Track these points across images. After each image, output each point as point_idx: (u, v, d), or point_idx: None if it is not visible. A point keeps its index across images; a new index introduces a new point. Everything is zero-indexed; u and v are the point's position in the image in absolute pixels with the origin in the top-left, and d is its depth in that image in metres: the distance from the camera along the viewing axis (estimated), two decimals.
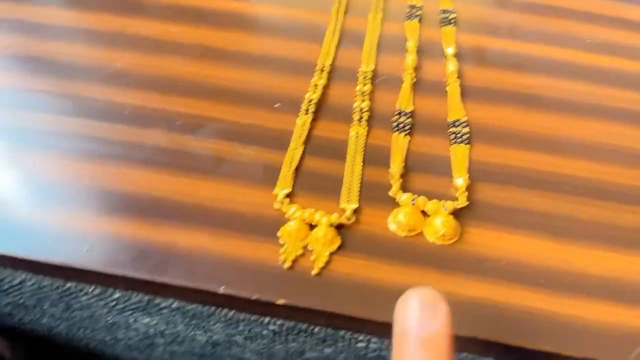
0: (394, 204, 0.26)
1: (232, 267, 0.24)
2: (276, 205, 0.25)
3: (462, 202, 0.26)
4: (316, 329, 0.25)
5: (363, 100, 0.30)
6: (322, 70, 0.31)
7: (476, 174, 0.27)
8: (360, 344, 0.25)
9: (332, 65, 0.32)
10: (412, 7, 0.38)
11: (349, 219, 0.25)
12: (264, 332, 0.26)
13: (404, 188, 0.27)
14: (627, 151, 0.29)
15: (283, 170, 0.27)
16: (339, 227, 0.25)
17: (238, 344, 0.28)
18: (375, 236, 0.25)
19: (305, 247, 0.24)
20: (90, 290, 0.25)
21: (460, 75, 0.32)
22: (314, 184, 0.27)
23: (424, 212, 0.26)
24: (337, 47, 0.35)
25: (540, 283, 0.24)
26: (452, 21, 0.37)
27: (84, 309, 0.27)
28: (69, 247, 0.24)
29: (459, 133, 0.29)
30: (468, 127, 0.29)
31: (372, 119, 0.30)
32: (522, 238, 0.25)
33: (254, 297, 0.23)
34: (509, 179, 0.28)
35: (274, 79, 0.32)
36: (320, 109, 0.30)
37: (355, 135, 0.28)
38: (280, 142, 0.28)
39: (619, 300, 0.23)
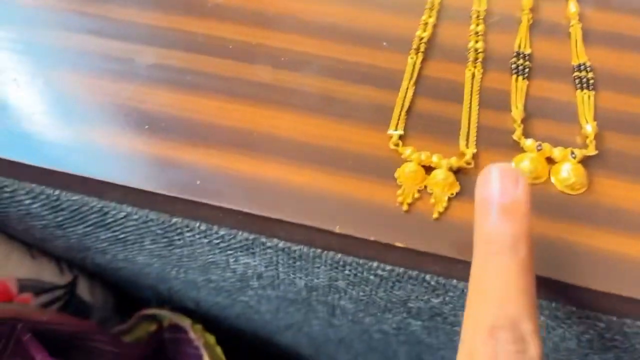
0: (515, 149, 0.24)
1: (346, 206, 0.23)
2: (391, 146, 0.24)
3: (591, 150, 0.24)
4: (427, 277, 0.23)
5: (477, 41, 0.28)
6: (431, 9, 0.29)
7: (603, 122, 0.25)
8: None
9: (442, 4, 0.30)
10: None
11: (468, 163, 0.24)
12: (371, 277, 0.25)
13: (525, 134, 0.25)
14: None
15: (395, 111, 0.25)
16: (456, 172, 0.24)
17: (338, 289, 0.27)
18: None
19: (421, 191, 0.23)
20: (196, 225, 0.25)
21: (581, 18, 0.29)
22: (427, 126, 0.25)
23: (548, 159, 0.24)
24: None
25: None
26: None
27: (185, 247, 0.27)
28: (179, 180, 0.23)
29: (584, 78, 0.26)
30: (592, 73, 0.27)
31: (487, 61, 0.28)
32: None
33: (371, 238, 0.22)
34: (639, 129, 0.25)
35: (382, 15, 0.30)
36: (431, 49, 0.28)
37: (472, 76, 0.27)
38: (390, 81, 0.27)
39: None
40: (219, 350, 0.38)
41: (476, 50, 0.28)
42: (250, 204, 0.23)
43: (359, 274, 0.25)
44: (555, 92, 0.27)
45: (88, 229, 0.28)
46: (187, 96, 0.26)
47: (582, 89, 0.26)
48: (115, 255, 0.31)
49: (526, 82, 0.27)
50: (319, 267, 0.25)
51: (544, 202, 0.23)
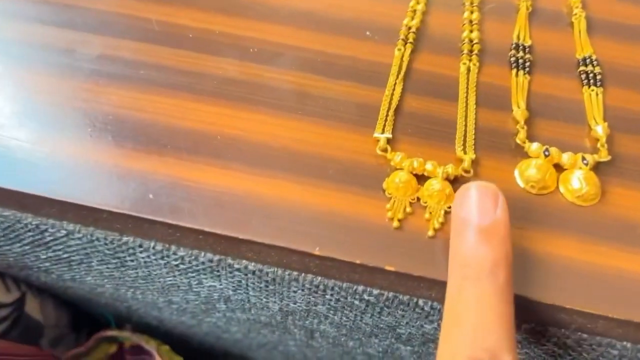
0: (518, 154, 0.21)
1: (326, 224, 0.20)
2: (379, 152, 0.21)
3: (603, 156, 0.21)
4: (421, 302, 0.20)
5: (472, 30, 0.25)
6: None
7: (613, 123, 0.22)
8: None
9: None
10: None
11: (467, 172, 0.21)
12: (355, 302, 0.21)
13: (529, 136, 0.22)
14: None
15: (382, 111, 0.22)
16: (453, 181, 0.21)
17: (318, 314, 0.24)
18: None
19: (414, 204, 0.20)
20: (151, 245, 0.21)
21: (584, 6, 0.27)
22: (419, 128, 0.22)
23: (555, 166, 0.21)
24: None
25: None
26: None
27: (140, 268, 0.23)
28: (129, 194, 0.20)
29: (590, 73, 0.24)
30: (599, 67, 0.24)
31: (484, 53, 0.25)
32: None
33: (357, 261, 0.19)
34: None
35: (365, 1, 0.26)
36: (420, 39, 0.25)
37: (467, 70, 0.23)
38: (375, 77, 0.23)
39: None
40: None
41: (471, 40, 0.25)
42: (212, 222, 0.19)
43: (342, 299, 0.22)
44: (560, 89, 0.24)
45: (26, 247, 0.24)
46: (140, 94, 0.23)
47: (589, 85, 0.23)
48: (60, 276, 0.27)
49: (527, 77, 0.24)
50: (295, 291, 0.22)
51: (552, 215, 0.20)
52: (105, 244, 0.22)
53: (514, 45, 0.25)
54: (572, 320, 0.19)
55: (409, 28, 0.25)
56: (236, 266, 0.21)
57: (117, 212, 0.20)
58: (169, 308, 0.30)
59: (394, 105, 0.22)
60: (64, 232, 0.22)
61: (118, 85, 0.23)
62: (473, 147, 0.21)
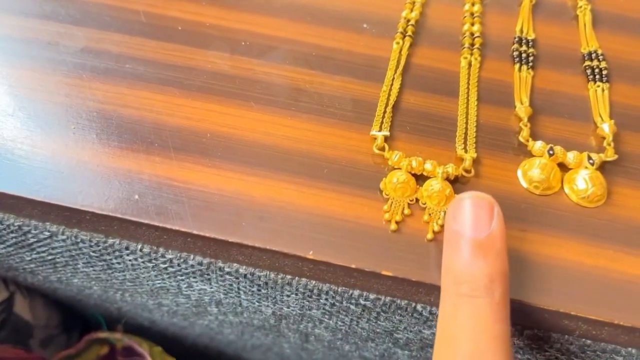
0: (521, 152, 0.21)
1: (321, 226, 0.19)
2: (376, 150, 0.20)
3: (610, 155, 0.20)
4: (419, 307, 0.20)
5: (473, 23, 0.24)
6: None
7: (619, 120, 0.22)
8: None
9: None
10: None
11: (468, 171, 0.20)
12: (351, 306, 0.21)
13: (532, 134, 0.21)
14: None
15: (379, 107, 0.21)
16: (454, 181, 0.20)
17: (312, 318, 0.23)
18: (501, 194, 0.20)
19: (412, 205, 0.19)
20: (138, 248, 0.20)
21: None
22: (418, 126, 0.21)
23: (560, 165, 0.20)
24: None
25: None
26: None
27: (127, 271, 0.22)
28: (113, 194, 0.19)
29: (596, 68, 0.23)
30: (605, 62, 0.23)
31: (485, 47, 0.24)
32: None
33: (353, 265, 0.18)
34: None
35: None
36: (420, 33, 0.24)
37: (468, 64, 0.23)
38: (373, 72, 0.22)
39: None
40: None
41: (472, 34, 0.24)
42: (201, 224, 0.18)
43: (337, 304, 0.21)
44: (564, 85, 0.23)
45: (10, 249, 0.23)
46: (125, 89, 0.22)
47: (594, 80, 0.23)
48: (47, 277, 0.26)
49: (531, 72, 0.23)
50: (289, 296, 0.21)
51: (556, 217, 0.19)
52: (91, 246, 0.21)
53: (516, 39, 0.24)
54: (577, 326, 0.18)
55: (408, 20, 0.24)
56: (227, 269, 0.20)
57: (101, 213, 0.19)
58: (159, 310, 0.29)
59: (391, 102, 0.21)
60: (47, 233, 0.21)
61: (103, 79, 0.22)
62: (474, 145, 0.20)
